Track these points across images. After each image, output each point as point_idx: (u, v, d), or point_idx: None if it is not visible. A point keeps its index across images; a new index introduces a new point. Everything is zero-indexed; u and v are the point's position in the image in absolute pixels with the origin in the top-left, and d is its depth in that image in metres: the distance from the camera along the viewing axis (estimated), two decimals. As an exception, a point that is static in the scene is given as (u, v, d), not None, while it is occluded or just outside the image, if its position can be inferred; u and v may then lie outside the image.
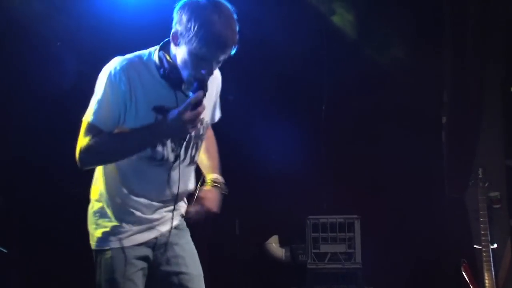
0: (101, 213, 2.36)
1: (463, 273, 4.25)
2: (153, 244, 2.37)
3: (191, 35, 2.12)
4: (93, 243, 2.37)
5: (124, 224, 2.33)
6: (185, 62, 2.19)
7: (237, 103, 4.61)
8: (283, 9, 4.95)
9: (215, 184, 2.49)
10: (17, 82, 4.61)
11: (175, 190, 2.37)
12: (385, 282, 4.91)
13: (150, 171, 2.31)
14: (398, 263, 4.96)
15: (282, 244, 5.05)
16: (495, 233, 4.42)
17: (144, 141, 2.22)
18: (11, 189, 4.47)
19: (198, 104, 2.12)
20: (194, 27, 2.11)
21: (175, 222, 2.44)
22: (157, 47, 2.28)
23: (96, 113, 2.18)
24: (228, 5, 2.21)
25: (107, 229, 2.33)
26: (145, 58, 2.26)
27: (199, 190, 2.46)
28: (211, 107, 2.47)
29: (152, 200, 2.35)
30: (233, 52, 2.20)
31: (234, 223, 4.98)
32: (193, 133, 2.33)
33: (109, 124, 2.18)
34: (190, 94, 2.17)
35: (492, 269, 4.20)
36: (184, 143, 2.33)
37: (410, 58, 5.03)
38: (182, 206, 2.52)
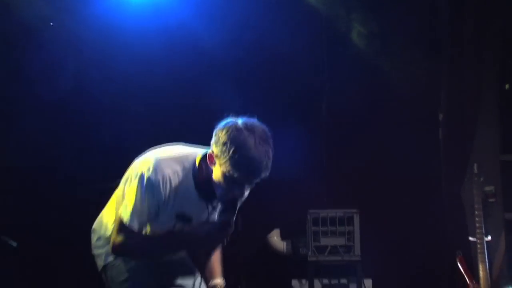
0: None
1: (459, 264, 4.29)
2: None
3: (226, 158, 2.14)
4: (101, 262, 2.49)
5: None
6: (218, 182, 2.23)
7: (239, 100, 4.71)
8: (282, 11, 5.00)
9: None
10: (20, 84, 4.67)
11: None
12: (384, 274, 4.98)
13: None
14: (397, 255, 5.02)
15: (283, 237, 5.07)
16: (489, 226, 4.45)
17: (173, 248, 2.41)
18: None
19: (226, 225, 2.31)
20: (229, 151, 2.13)
21: None
22: (201, 155, 2.31)
23: (132, 215, 2.24)
24: (265, 129, 2.22)
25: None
26: (187, 164, 2.30)
27: None
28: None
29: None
30: (266, 175, 2.21)
31: (237, 219, 4.99)
32: None
33: (142, 227, 2.28)
34: (219, 207, 2.40)
35: (486, 261, 4.22)
36: None
37: (408, 55, 5.05)
38: None
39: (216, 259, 2.66)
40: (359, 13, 5.08)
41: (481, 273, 4.21)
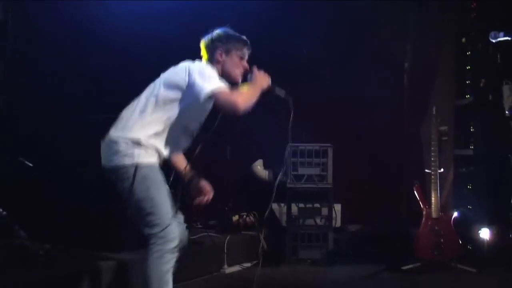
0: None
1: (415, 192, 4.60)
2: None
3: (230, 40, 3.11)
4: (133, 161, 2.84)
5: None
6: (229, 66, 3.14)
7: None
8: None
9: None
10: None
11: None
12: (351, 200, 5.43)
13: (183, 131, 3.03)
14: (363, 184, 5.45)
15: (266, 167, 5.41)
16: (442, 161, 4.75)
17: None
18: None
19: None
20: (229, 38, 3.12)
21: None
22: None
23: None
24: None
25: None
26: None
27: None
28: None
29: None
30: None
31: (226, 149, 5.22)
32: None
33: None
34: None
35: (438, 189, 4.54)
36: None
37: (380, 13, 5.36)
38: None
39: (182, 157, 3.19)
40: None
41: (433, 199, 4.54)
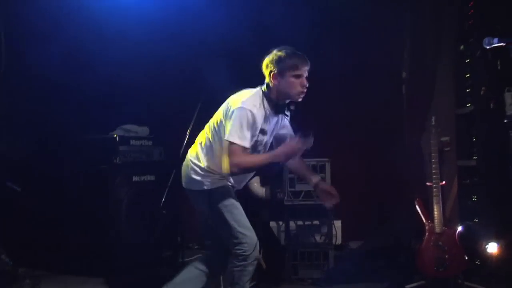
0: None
1: (417, 206, 4.51)
2: None
3: (285, 60, 3.26)
4: (206, 187, 3.34)
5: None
6: (290, 83, 3.29)
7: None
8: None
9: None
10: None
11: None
12: (351, 215, 5.34)
13: None
14: (363, 199, 5.37)
15: (263, 184, 5.35)
16: (444, 172, 4.70)
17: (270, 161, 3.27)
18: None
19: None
20: (284, 55, 3.27)
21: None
22: (261, 87, 3.35)
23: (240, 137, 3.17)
24: None
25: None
26: (259, 96, 3.29)
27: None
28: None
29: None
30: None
31: None
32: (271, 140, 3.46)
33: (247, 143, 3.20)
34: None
35: (441, 203, 4.43)
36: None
37: (376, 22, 5.31)
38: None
39: (303, 164, 3.66)
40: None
41: (435, 213, 4.43)
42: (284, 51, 3.26)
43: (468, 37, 4.96)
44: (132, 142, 4.77)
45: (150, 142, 4.98)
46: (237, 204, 3.36)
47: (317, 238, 4.99)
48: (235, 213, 3.31)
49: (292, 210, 4.98)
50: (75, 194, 4.48)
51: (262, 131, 3.30)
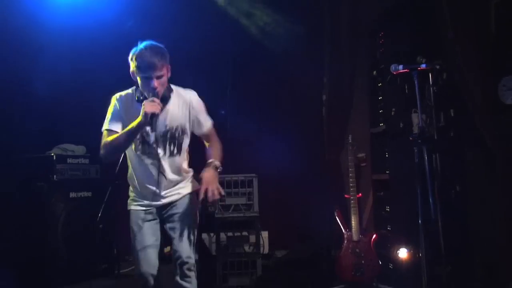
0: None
1: (336, 217, 4.83)
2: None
3: (132, 64, 3.13)
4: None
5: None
6: (141, 83, 3.15)
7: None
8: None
9: (209, 165, 3.24)
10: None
11: (157, 176, 3.26)
12: (277, 227, 5.59)
13: (144, 162, 3.26)
14: (287, 211, 5.61)
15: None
16: (361, 185, 5.01)
17: (127, 139, 3.13)
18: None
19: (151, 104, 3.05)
20: (131, 58, 3.13)
21: (164, 201, 3.34)
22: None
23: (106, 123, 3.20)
24: (155, 43, 3.12)
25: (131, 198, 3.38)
26: (131, 91, 3.24)
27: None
28: (180, 117, 3.29)
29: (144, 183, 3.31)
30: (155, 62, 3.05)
31: None
32: (168, 135, 3.24)
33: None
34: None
35: (358, 213, 4.76)
36: (162, 141, 3.24)
37: (299, 49, 5.60)
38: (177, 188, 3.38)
39: (213, 153, 3.34)
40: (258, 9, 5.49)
41: (353, 223, 4.75)
42: (133, 51, 3.14)
43: (379, 64, 5.28)
44: (69, 160, 4.83)
45: (87, 160, 5.01)
46: (137, 229, 3.33)
47: (246, 248, 5.13)
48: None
49: (222, 222, 5.10)
50: (11, 210, 4.50)
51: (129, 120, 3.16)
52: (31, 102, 5.05)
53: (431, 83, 3.97)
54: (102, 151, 3.12)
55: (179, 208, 3.37)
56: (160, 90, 3.15)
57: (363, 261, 4.76)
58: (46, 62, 5.00)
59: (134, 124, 3.06)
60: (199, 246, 4.96)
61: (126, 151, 3.31)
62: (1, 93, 4.87)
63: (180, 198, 3.40)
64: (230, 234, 5.17)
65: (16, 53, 4.95)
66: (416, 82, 3.74)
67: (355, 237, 4.79)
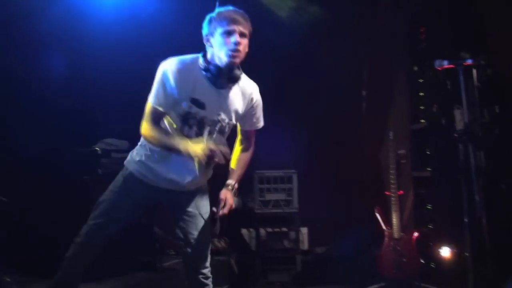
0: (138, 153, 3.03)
1: (376, 214, 4.75)
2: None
3: (212, 22, 2.74)
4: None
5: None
6: (220, 44, 2.71)
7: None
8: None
9: (227, 187, 3.00)
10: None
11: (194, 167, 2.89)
12: (317, 222, 5.53)
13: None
14: (327, 207, 5.51)
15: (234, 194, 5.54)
16: (401, 183, 4.89)
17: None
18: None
19: (211, 157, 2.62)
20: (211, 17, 2.76)
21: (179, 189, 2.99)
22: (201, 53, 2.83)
23: (154, 98, 2.82)
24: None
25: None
26: (194, 60, 2.81)
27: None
28: (236, 109, 2.92)
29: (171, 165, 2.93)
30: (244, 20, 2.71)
31: None
32: (217, 127, 2.88)
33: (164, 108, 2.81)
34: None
35: (398, 211, 4.67)
36: (207, 133, 2.87)
37: (339, 48, 5.51)
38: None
39: (240, 165, 3.09)
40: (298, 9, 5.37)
41: (394, 220, 4.67)
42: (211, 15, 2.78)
43: (421, 59, 5.20)
44: (113, 154, 4.86)
45: (130, 155, 5.07)
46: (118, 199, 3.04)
47: (286, 244, 5.13)
48: None
49: (262, 218, 5.13)
50: (60, 203, 4.53)
51: (196, 102, 2.77)
52: (74, 97, 5.08)
53: (475, 79, 3.88)
54: (142, 131, 2.83)
55: (198, 201, 3.08)
56: (241, 53, 2.74)
57: (404, 259, 4.68)
58: (88, 59, 5.05)
59: (180, 146, 2.73)
60: (239, 242, 5.32)
61: (166, 121, 2.91)
62: (46, 90, 4.93)
63: (199, 187, 3.09)
64: (269, 229, 5.17)
65: (62, 49, 4.99)
66: (461, 78, 3.66)
67: (396, 234, 4.72)
